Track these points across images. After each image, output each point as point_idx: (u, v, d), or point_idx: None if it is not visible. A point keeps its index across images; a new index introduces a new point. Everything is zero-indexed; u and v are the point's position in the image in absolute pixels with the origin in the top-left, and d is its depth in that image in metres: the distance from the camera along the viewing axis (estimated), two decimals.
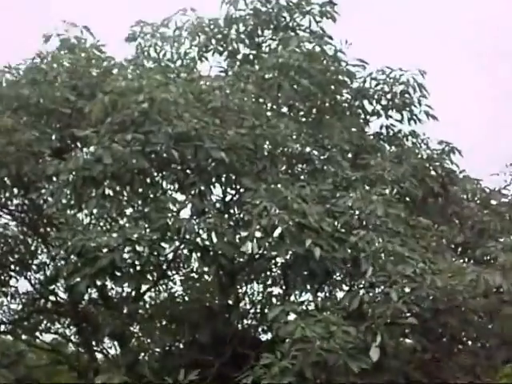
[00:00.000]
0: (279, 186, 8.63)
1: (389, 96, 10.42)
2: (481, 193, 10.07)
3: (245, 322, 9.98)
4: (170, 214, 8.57)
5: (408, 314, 7.86)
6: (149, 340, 9.92)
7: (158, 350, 9.88)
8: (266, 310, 9.41)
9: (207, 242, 8.54)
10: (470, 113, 17.53)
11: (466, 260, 9.35)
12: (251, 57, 10.79)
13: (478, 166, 10.56)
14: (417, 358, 8.76)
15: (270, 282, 10.14)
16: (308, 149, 9.72)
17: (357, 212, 8.74)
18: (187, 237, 8.50)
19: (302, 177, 9.63)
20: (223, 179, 9.14)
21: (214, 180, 9.09)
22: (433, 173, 9.71)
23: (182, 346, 9.81)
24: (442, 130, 10.44)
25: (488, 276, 7.72)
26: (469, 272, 7.88)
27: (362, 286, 8.30)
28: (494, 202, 10.10)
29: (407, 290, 7.98)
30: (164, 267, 9.20)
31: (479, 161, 10.74)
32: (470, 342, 9.19)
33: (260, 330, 9.99)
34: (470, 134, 15.85)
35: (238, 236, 8.65)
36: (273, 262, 9.89)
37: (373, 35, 15.57)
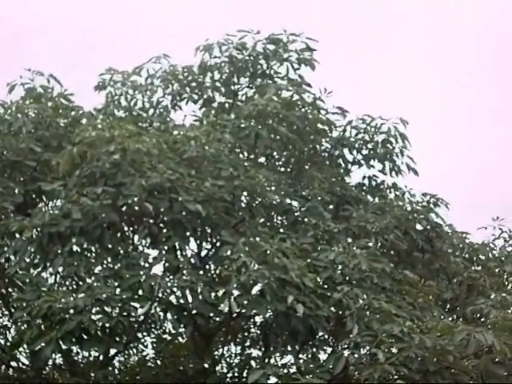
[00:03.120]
0: (258, 239, 8.58)
1: (370, 145, 10.53)
2: (468, 247, 10.12)
3: None
4: (141, 272, 8.44)
5: (396, 377, 7.78)
6: None
7: None
8: (245, 374, 9.21)
9: (182, 301, 8.40)
10: (458, 164, 17.85)
11: (455, 317, 9.32)
12: (227, 105, 10.88)
13: (465, 220, 10.67)
14: None
15: (248, 344, 9.99)
16: (288, 200, 9.74)
17: (340, 266, 8.71)
18: (160, 295, 8.37)
19: (282, 229, 9.60)
20: (199, 233, 9.07)
21: (189, 234, 9.02)
22: (418, 226, 9.76)
23: None
24: (427, 181, 10.57)
25: (479, 335, 7.66)
26: (459, 331, 7.81)
27: (346, 346, 8.19)
28: (482, 257, 10.15)
29: (395, 350, 7.91)
30: (135, 329, 9.00)
31: (466, 214, 10.86)
32: None
33: None
34: (458, 186, 16.09)
35: (214, 294, 8.53)
36: (251, 321, 9.78)
37: (353, 83, 15.89)
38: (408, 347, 7.77)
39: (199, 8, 17.90)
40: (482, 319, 8.33)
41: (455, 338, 7.75)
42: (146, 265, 8.67)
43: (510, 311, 8.50)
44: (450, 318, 8.95)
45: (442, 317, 8.52)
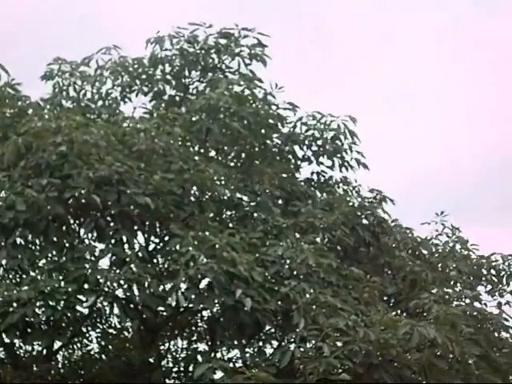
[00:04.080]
0: (207, 233, 8.66)
1: (319, 142, 10.71)
2: (412, 242, 10.40)
3: (167, 381, 9.79)
4: (87, 265, 8.42)
5: (341, 370, 7.96)
6: None
7: None
8: (191, 368, 9.28)
9: (129, 294, 8.41)
10: (403, 161, 18.30)
11: (399, 312, 9.56)
12: (178, 98, 10.91)
13: (410, 215, 10.97)
14: None
15: (195, 338, 10.05)
16: (238, 194, 9.84)
17: (288, 261, 8.87)
18: (106, 289, 8.36)
19: (231, 224, 9.70)
20: (147, 226, 9.09)
21: (137, 227, 9.02)
22: (364, 221, 9.98)
23: None
24: (373, 178, 10.83)
25: (422, 329, 7.90)
26: (402, 325, 8.05)
27: (293, 340, 8.35)
28: (425, 252, 10.45)
29: (340, 344, 8.10)
30: (79, 323, 8.96)
31: (411, 210, 11.17)
32: None
33: None
34: (403, 183, 16.52)
35: (162, 287, 8.57)
36: (199, 315, 9.85)
37: (304, 80, 16.10)
38: (353, 341, 7.97)
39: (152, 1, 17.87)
40: (425, 314, 8.56)
41: (398, 332, 7.99)
42: (93, 258, 8.65)
43: (452, 306, 8.79)
44: (394, 313, 9.15)
45: (386, 311, 8.73)
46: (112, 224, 8.79)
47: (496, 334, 9.12)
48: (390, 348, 8.00)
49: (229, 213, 10.02)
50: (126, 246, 9.05)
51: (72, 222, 9.06)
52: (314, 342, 8.14)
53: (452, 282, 10.01)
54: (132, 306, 8.58)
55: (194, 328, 9.95)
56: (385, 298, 9.66)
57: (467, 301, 9.33)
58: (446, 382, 8.12)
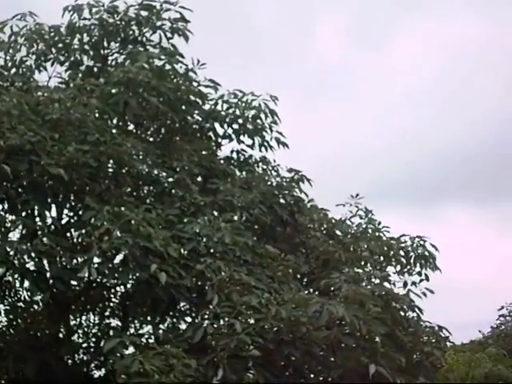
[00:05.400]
0: (123, 208, 8.64)
1: (240, 120, 10.81)
2: (327, 223, 10.71)
3: (76, 356, 9.75)
4: None
5: (252, 347, 8.15)
6: None
7: None
8: (102, 344, 9.28)
9: (40, 267, 8.31)
10: (324, 142, 18.73)
11: (312, 291, 9.85)
12: (96, 69, 10.77)
13: (326, 196, 11.28)
14: None
15: (107, 314, 10.03)
16: (155, 170, 9.83)
17: (204, 239, 8.98)
18: (16, 261, 8.24)
19: (148, 200, 9.70)
20: (61, 199, 8.98)
21: (50, 200, 8.90)
22: (282, 200, 10.19)
23: (4, 382, 9.36)
24: (292, 157, 11.04)
25: (331, 307, 8.19)
26: (313, 303, 8.32)
27: (206, 316, 8.48)
28: (339, 233, 10.78)
29: (252, 321, 8.30)
30: None
31: (327, 191, 11.48)
32: (312, 375, 9.66)
33: (93, 365, 9.81)
34: (322, 163, 16.92)
35: (75, 261, 8.51)
36: (112, 291, 9.83)
37: (226, 57, 16.15)
38: (264, 318, 8.20)
39: None
40: (335, 293, 8.86)
41: (309, 310, 8.26)
42: (3, 230, 8.49)
43: (361, 286, 9.12)
44: (307, 292, 9.43)
45: (299, 290, 8.98)
46: (24, 195, 8.64)
47: (402, 314, 9.54)
48: (301, 325, 8.26)
49: (146, 189, 10.00)
50: (37, 219, 8.94)
51: None
52: (226, 319, 8.29)
53: (363, 263, 10.39)
54: (43, 278, 8.48)
55: (106, 303, 9.92)
56: (298, 277, 9.93)
57: (377, 281, 9.70)
58: (352, 358, 8.42)
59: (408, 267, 10.62)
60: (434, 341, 9.70)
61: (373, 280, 9.69)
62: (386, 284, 9.87)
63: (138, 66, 9.87)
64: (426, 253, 10.71)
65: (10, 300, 9.54)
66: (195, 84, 10.60)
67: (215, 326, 8.29)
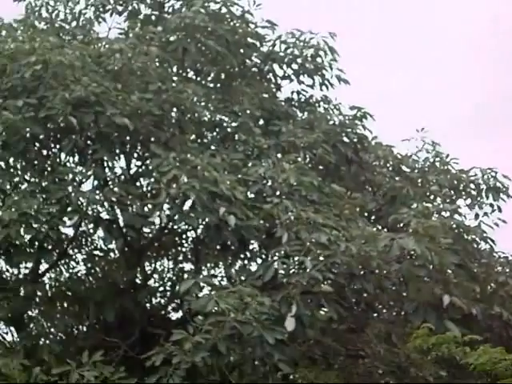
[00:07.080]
0: (189, 155, 8.83)
1: (299, 60, 10.75)
2: (393, 159, 10.64)
3: (154, 300, 10.17)
4: (70, 187, 8.61)
5: (324, 283, 8.28)
6: (49, 324, 9.91)
7: (60, 333, 9.90)
8: (177, 287, 9.63)
9: (112, 215, 8.63)
10: (386, 78, 18.42)
11: (380, 227, 9.90)
12: (153, 17, 10.87)
13: (391, 132, 11.17)
14: (333, 328, 9.25)
15: (181, 258, 10.37)
16: (218, 116, 9.96)
17: (269, 181, 9.10)
18: (89, 211, 8.58)
19: (212, 145, 9.87)
20: (128, 148, 9.24)
21: (118, 150, 9.17)
22: (345, 139, 10.18)
23: (85, 328, 9.88)
24: (354, 95, 10.96)
25: (401, 241, 8.22)
26: (382, 238, 8.37)
27: (276, 256, 8.66)
28: (405, 169, 10.72)
29: (321, 258, 8.42)
30: (65, 245, 9.22)
31: (392, 126, 11.36)
32: (384, 310, 9.80)
33: (170, 308, 10.21)
34: (384, 99, 16.68)
35: (145, 208, 8.79)
36: (184, 236, 10.15)
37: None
38: (334, 254, 8.28)
39: None
40: (404, 228, 8.86)
41: (379, 245, 8.32)
42: (75, 181, 8.82)
43: (431, 219, 9.09)
44: (374, 228, 9.47)
45: (367, 227, 9.03)
46: (91, 146, 8.92)
47: (474, 245, 9.50)
48: (371, 260, 8.32)
49: (209, 134, 10.16)
50: (106, 170, 9.24)
51: (52, 146, 9.19)
52: (296, 257, 8.44)
53: (432, 197, 10.32)
54: (116, 226, 8.81)
55: (179, 248, 10.25)
56: (365, 214, 9.97)
57: (447, 214, 9.66)
58: (425, 290, 8.45)
59: (479, 199, 10.51)
60: (508, 271, 9.63)
61: (443, 214, 9.65)
62: (457, 217, 9.83)
63: (194, 11, 9.93)
64: (498, 184, 10.55)
65: (86, 249, 9.97)
66: (252, 26, 10.59)
67: (285, 265, 8.45)
